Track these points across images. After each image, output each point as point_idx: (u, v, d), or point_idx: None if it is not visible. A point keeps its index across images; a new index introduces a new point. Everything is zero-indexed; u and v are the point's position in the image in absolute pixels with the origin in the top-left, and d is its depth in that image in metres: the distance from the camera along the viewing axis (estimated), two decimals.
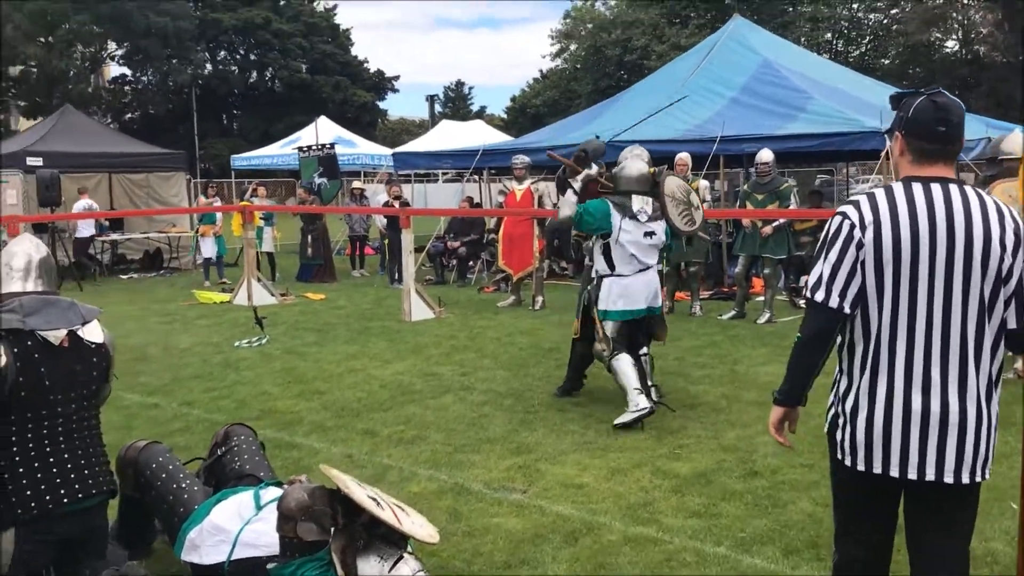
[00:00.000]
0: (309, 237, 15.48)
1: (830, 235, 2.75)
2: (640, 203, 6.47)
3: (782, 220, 10.15)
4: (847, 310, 2.70)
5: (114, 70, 49.33)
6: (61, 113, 18.36)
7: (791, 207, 10.29)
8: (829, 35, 41.69)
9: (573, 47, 45.89)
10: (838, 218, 2.75)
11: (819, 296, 2.72)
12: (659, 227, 6.52)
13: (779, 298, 11.13)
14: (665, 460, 5.46)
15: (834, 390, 2.87)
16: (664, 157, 12.31)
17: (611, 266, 6.46)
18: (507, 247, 12.35)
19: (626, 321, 6.51)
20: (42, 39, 39.35)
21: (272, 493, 3.71)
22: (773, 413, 2.92)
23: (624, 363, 6.33)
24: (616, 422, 6.13)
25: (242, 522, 3.61)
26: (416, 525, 3.37)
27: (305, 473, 4.12)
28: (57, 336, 3.46)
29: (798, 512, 4.59)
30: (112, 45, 44.12)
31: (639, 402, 6.16)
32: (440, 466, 5.43)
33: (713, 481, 5.08)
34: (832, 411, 2.88)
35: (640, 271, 6.47)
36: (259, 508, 3.66)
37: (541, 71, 50.82)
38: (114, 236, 17.31)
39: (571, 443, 5.84)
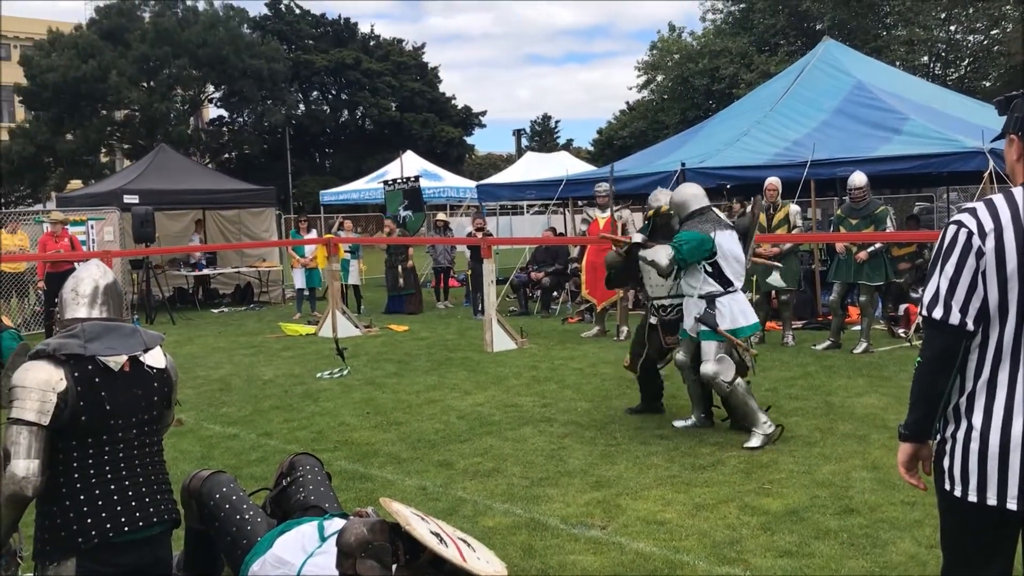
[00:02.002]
0: (399, 267, 15.50)
1: (944, 246, 2.47)
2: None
3: (878, 245, 9.69)
4: (970, 327, 2.42)
5: (212, 112, 51.09)
6: (156, 152, 18.95)
7: (887, 231, 9.84)
8: (926, 58, 40.35)
9: (660, 78, 45.36)
10: (952, 227, 2.47)
11: (937, 313, 2.45)
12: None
13: (876, 327, 10.64)
14: (754, 496, 5.16)
15: (942, 414, 2.58)
16: (753, 183, 12.02)
17: (725, 283, 6.31)
18: (590, 276, 12.14)
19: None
20: (144, 84, 40.97)
21: (336, 525, 3.57)
22: (901, 451, 2.63)
23: (743, 385, 6.29)
24: (746, 446, 6.11)
25: (305, 555, 3.48)
26: (482, 561, 3.19)
27: (372, 506, 3.97)
28: (117, 361, 3.41)
29: (899, 553, 4.24)
30: (210, 88, 45.66)
31: (769, 422, 6.20)
32: (516, 500, 5.23)
33: (806, 518, 4.76)
34: (939, 436, 2.58)
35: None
36: (323, 540, 3.53)
37: (628, 103, 50.43)
38: (206, 271, 17.74)
39: (654, 477, 5.58)
